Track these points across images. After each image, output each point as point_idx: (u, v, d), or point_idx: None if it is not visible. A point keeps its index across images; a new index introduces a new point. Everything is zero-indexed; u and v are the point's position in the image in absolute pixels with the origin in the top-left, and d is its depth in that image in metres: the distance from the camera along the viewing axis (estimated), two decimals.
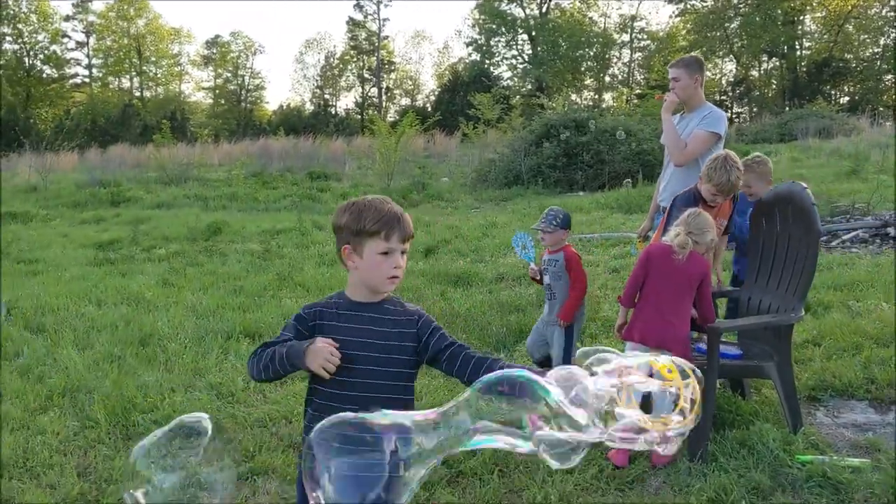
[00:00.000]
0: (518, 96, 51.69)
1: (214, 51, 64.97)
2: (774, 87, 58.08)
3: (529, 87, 55.49)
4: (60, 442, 4.57)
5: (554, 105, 24.04)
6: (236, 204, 17.79)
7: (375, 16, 62.94)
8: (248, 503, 3.84)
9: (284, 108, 64.34)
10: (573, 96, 53.72)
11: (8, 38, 57.19)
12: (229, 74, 65.84)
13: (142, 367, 5.85)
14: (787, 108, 40.38)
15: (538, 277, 5.15)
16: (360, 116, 60.32)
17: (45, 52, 58.33)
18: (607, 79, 62.46)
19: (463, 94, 45.00)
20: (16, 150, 29.63)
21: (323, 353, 2.33)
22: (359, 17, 63.32)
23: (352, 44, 64.70)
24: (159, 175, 23.25)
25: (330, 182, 22.48)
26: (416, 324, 2.52)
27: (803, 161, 20.08)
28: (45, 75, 58.49)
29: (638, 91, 49.81)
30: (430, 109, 50.71)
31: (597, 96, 60.89)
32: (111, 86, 62.99)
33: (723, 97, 57.86)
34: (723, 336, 4.41)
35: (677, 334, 4.05)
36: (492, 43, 59.29)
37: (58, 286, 8.85)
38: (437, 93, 60.27)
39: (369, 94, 65.72)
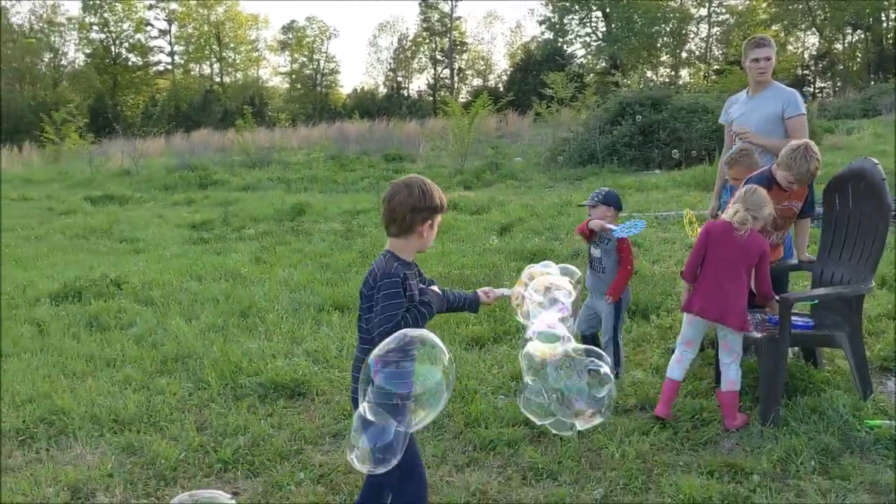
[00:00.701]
0: (592, 74, 51.14)
1: (290, 36, 66.22)
2: (859, 60, 55.90)
3: (604, 64, 54.84)
4: (178, 401, 5.07)
5: (629, 83, 23.87)
6: (317, 186, 18.39)
7: None
8: (343, 456, 4.22)
9: (358, 91, 65.24)
10: (648, 73, 52.84)
11: (95, 28, 59.54)
12: (305, 59, 67.06)
13: (244, 335, 6.35)
14: (872, 83, 38.89)
15: (588, 234, 5.31)
16: (432, 98, 60.70)
17: (130, 40, 60.55)
18: (684, 55, 61.17)
19: (535, 74, 44.76)
20: (107, 135, 31.00)
21: None
22: None
23: (424, 25, 65.03)
24: (243, 159, 24.11)
25: (405, 164, 22.94)
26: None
27: (887, 137, 19.50)
28: (130, 63, 60.75)
29: (716, 67, 48.72)
30: (502, 89, 50.71)
31: (673, 73, 59.74)
32: (192, 72, 64.99)
33: (805, 71, 56.01)
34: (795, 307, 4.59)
35: (734, 308, 4.28)
36: (565, 21, 58.71)
37: (160, 263, 9.50)
38: (509, 72, 60.16)
39: (441, 75, 66.02)
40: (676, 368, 4.46)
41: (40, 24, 58.45)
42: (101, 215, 14.32)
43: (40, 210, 15.52)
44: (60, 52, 60.14)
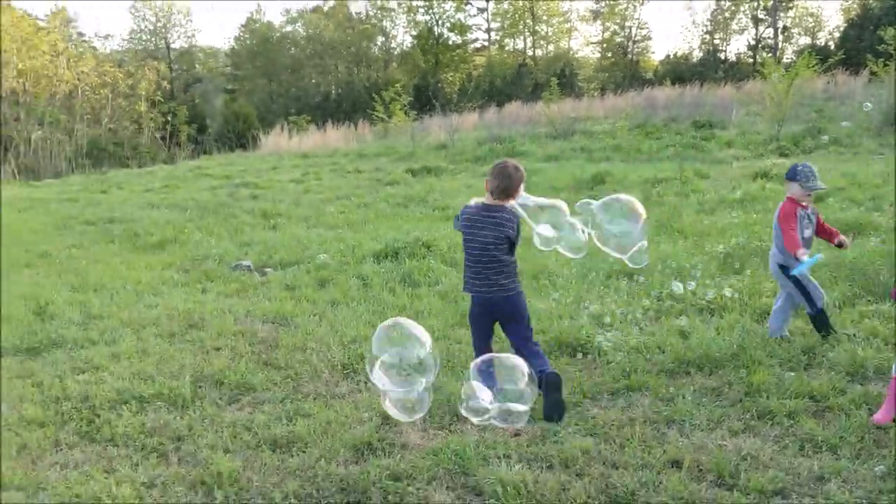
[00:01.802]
0: None
1: (603, 4, 65.79)
2: None
3: None
4: (472, 351, 5.61)
5: None
6: (619, 155, 18.38)
7: None
8: (624, 414, 4.42)
9: (671, 57, 63.06)
10: None
11: (420, 10, 64.12)
12: (616, 27, 66.28)
13: (534, 296, 6.77)
14: None
15: None
16: (752, 60, 56.84)
17: (451, 20, 64.29)
18: None
19: (873, 29, 39.95)
20: (428, 112, 33.52)
21: None
22: None
23: None
24: (548, 130, 24.76)
25: (715, 130, 21.97)
26: None
27: None
28: (450, 42, 64.58)
29: None
30: (832, 47, 45.96)
31: None
32: (507, 47, 67.35)
33: None
34: None
35: None
36: None
37: None
38: (842, 29, 54.25)
39: (763, 35, 61.46)
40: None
41: (374, 10, 64.43)
42: (419, 186, 15.70)
43: (370, 181, 17.41)
44: (391, 35, 65.83)
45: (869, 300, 5.93)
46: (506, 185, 4.59)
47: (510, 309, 4.64)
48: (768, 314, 5.87)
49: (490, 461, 3.91)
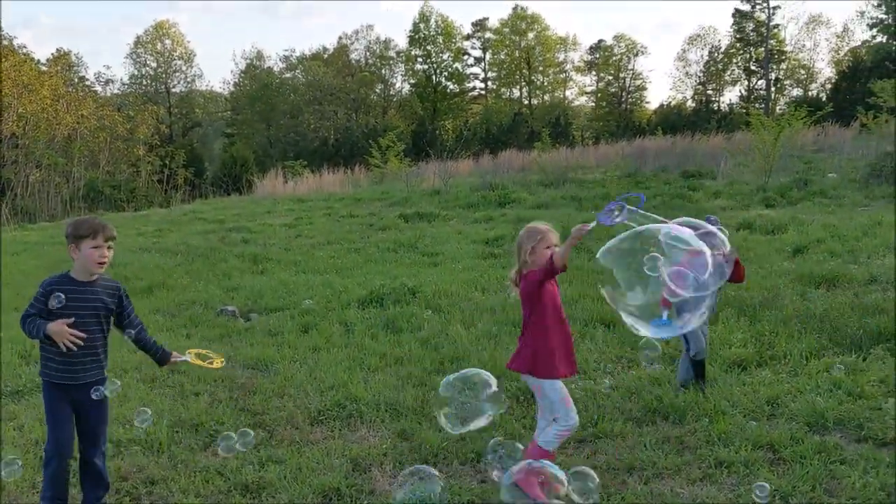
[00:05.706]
0: None
1: (597, 55, 66.97)
2: None
3: None
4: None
5: None
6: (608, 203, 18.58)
7: (764, 5, 59.65)
8: (588, 461, 4.51)
9: (665, 107, 64.03)
10: None
11: (419, 60, 65.18)
12: (611, 77, 67.41)
13: (513, 344, 6.84)
14: None
15: None
16: (745, 111, 57.71)
17: (449, 69, 65.36)
18: None
19: (864, 81, 40.73)
20: (425, 158, 33.89)
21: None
22: (746, 7, 60.57)
23: (738, 36, 62.13)
24: (540, 178, 25.03)
25: (704, 180, 22.24)
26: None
27: None
28: (448, 90, 65.56)
29: None
30: (824, 99, 46.74)
31: None
32: (503, 96, 68.39)
33: None
34: None
35: None
36: None
37: (452, 275, 10.44)
38: (833, 81, 55.24)
39: (756, 86, 62.53)
40: None
41: (373, 59, 65.46)
42: (410, 231, 15.84)
43: (362, 226, 17.57)
44: (389, 82, 66.84)
45: (835, 352, 6.04)
46: None
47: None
48: (737, 364, 6.00)
49: None
